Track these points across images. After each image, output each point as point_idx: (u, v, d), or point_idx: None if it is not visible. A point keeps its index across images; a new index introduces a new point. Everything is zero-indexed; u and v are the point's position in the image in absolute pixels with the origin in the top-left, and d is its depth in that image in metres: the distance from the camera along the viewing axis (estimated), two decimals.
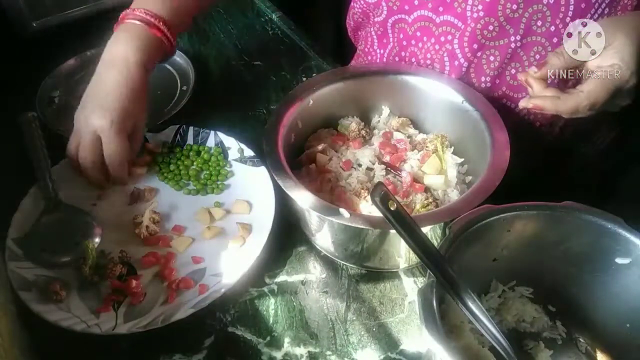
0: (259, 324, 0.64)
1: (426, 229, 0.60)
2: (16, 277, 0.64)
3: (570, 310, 0.60)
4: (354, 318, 0.65)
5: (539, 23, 0.71)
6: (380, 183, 0.52)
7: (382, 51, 0.85)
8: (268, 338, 0.63)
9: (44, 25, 1.02)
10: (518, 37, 0.72)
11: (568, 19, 0.69)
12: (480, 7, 0.70)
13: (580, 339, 0.60)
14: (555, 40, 0.71)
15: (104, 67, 0.73)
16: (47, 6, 1.01)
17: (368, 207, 0.66)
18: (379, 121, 0.79)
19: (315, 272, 0.70)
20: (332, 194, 0.70)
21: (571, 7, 0.69)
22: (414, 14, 0.76)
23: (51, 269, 0.66)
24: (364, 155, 0.73)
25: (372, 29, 0.85)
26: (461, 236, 0.53)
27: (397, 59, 0.83)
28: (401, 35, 0.80)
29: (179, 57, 0.99)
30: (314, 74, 0.98)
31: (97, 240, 0.70)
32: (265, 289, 0.67)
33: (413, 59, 0.80)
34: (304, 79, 0.98)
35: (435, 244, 0.51)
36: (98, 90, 0.72)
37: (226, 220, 0.73)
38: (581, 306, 0.59)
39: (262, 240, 0.68)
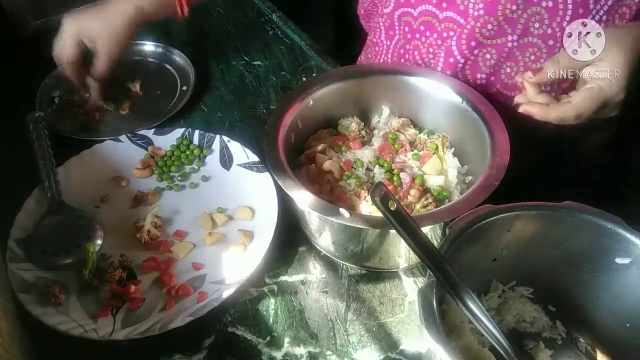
0: (259, 324, 0.64)
1: (426, 229, 0.60)
2: (16, 278, 0.64)
3: (570, 310, 0.60)
4: (354, 318, 0.65)
5: (537, 25, 0.71)
6: (380, 183, 0.52)
7: (389, 43, 0.86)
8: (268, 338, 0.63)
9: (44, 25, 1.02)
10: (515, 37, 0.73)
11: (565, 23, 0.70)
12: (481, 5, 0.71)
13: (580, 339, 0.60)
14: (551, 42, 0.72)
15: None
16: (47, 6, 1.01)
17: (368, 207, 0.66)
18: (379, 121, 0.79)
19: (315, 272, 0.70)
20: (332, 194, 0.70)
21: (569, 12, 0.70)
22: (419, 8, 0.77)
23: (51, 271, 0.66)
24: (364, 156, 0.73)
25: (380, 19, 0.86)
26: (461, 236, 0.53)
27: (401, 51, 0.83)
28: (406, 29, 0.81)
29: (179, 57, 0.99)
30: (314, 74, 0.98)
31: (98, 243, 0.70)
32: (265, 289, 0.67)
33: (416, 53, 0.81)
34: (304, 79, 0.98)
35: (435, 244, 0.51)
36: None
37: (228, 227, 0.73)
38: (581, 306, 0.59)
39: (264, 247, 0.67)
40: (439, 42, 0.77)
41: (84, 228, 0.71)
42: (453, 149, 0.74)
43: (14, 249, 0.67)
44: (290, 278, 0.69)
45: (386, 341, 0.63)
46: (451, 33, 0.76)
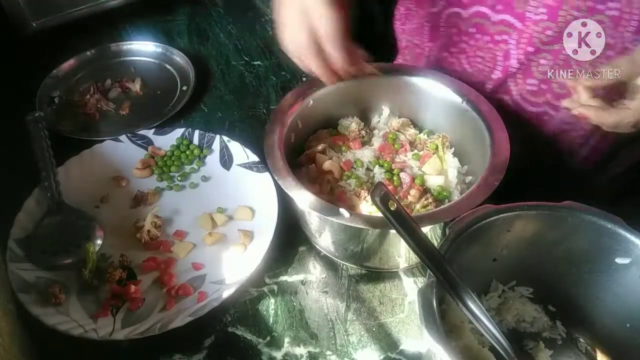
0: (259, 324, 0.64)
1: (426, 229, 0.60)
2: (16, 278, 0.64)
3: (570, 310, 0.60)
4: (354, 318, 0.65)
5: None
6: (380, 183, 0.52)
7: (431, 44, 0.84)
8: (268, 338, 0.63)
9: (44, 25, 1.02)
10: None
11: (627, 34, 0.67)
12: (542, 10, 0.69)
13: (580, 339, 0.60)
14: (609, 52, 0.68)
15: None
16: (47, 6, 1.01)
17: (368, 207, 0.66)
18: (379, 121, 0.79)
19: (315, 272, 0.70)
20: (332, 194, 0.70)
21: (633, 22, 0.67)
22: (470, 9, 0.75)
23: (51, 271, 0.66)
24: (364, 156, 0.73)
25: (424, 20, 0.83)
26: (461, 236, 0.53)
27: (445, 54, 0.82)
28: (454, 30, 0.79)
29: (179, 57, 1.00)
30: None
31: (98, 242, 0.70)
32: (265, 289, 0.67)
33: (462, 56, 0.80)
34: (304, 79, 0.98)
35: (435, 244, 0.51)
36: None
37: (228, 227, 0.73)
38: (581, 306, 0.59)
39: (264, 247, 0.67)
40: (491, 45, 0.75)
41: (84, 228, 0.71)
42: (453, 149, 0.74)
43: (14, 249, 0.67)
44: (290, 278, 0.69)
45: (386, 341, 0.63)
46: (504, 37, 0.73)
